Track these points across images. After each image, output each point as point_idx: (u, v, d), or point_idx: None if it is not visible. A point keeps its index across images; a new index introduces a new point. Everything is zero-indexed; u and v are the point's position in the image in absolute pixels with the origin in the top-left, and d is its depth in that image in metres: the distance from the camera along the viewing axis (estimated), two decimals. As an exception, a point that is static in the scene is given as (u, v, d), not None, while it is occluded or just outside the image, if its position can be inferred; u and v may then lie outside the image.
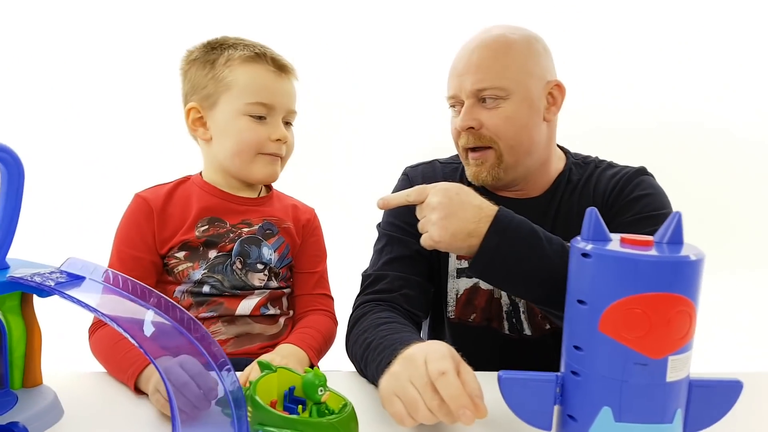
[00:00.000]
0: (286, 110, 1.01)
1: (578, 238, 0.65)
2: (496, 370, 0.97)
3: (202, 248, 0.98)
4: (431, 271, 1.06)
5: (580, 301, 0.62)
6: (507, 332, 1.05)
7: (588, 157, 1.13)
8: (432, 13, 2.83)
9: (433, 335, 1.14)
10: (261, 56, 0.98)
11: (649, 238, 0.62)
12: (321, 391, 0.66)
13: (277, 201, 1.09)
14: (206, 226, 0.99)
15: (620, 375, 0.60)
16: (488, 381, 0.70)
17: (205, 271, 0.97)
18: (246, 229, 1.02)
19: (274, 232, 1.04)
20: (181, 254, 0.98)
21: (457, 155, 1.17)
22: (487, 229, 0.79)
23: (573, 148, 1.14)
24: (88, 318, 0.89)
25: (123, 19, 2.60)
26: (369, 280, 1.02)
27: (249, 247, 1.01)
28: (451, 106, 1.06)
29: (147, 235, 0.97)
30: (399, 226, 1.06)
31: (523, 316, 1.04)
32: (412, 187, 0.91)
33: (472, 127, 0.99)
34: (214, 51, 1.00)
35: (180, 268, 0.97)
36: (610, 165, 1.09)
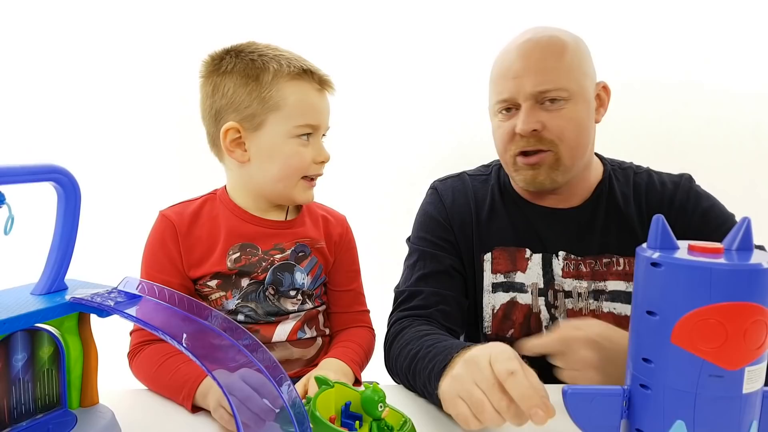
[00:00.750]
0: (325, 128, 0.98)
1: (644, 246, 0.63)
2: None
3: (234, 277, 0.96)
4: (465, 286, 1.05)
5: (650, 312, 0.60)
6: None
7: (623, 162, 1.12)
8: (451, 18, 2.83)
9: None
10: (308, 73, 0.93)
11: (719, 245, 0.61)
12: (381, 407, 0.65)
13: (308, 217, 1.05)
14: (238, 254, 0.96)
15: (694, 388, 0.58)
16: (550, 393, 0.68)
17: (239, 300, 0.95)
18: (278, 256, 0.98)
19: (307, 253, 1.01)
20: (213, 283, 0.95)
21: (483, 166, 1.16)
22: None
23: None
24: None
25: (148, 29, 2.66)
26: (403, 296, 1.01)
27: (282, 274, 0.98)
28: (500, 111, 1.01)
29: (175, 258, 0.94)
30: (431, 241, 1.05)
31: None
32: (441, 201, 0.92)
33: (536, 130, 0.96)
34: (253, 64, 0.92)
35: (213, 296, 0.95)
36: (650, 172, 1.08)
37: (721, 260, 0.57)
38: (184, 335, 0.64)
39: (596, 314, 1.01)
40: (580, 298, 1.01)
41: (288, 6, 2.84)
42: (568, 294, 1.02)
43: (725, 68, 2.44)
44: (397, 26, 2.78)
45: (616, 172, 1.08)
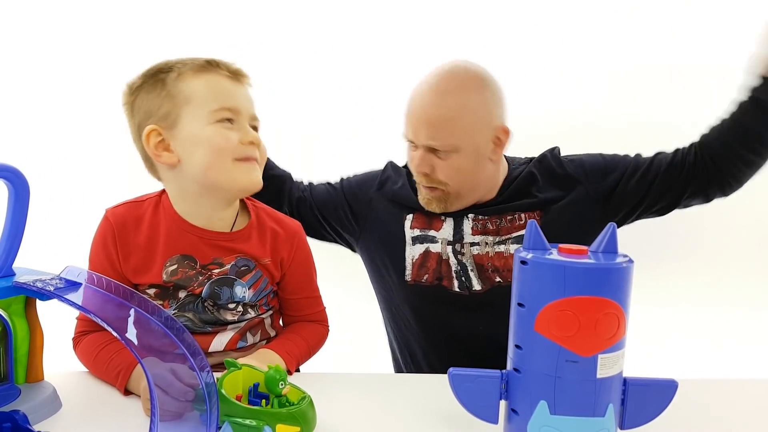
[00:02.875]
0: (250, 115, 0.95)
1: (521, 248, 0.71)
2: (450, 327, 1.16)
3: (171, 289, 0.95)
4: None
5: (520, 304, 0.68)
6: (457, 290, 1.15)
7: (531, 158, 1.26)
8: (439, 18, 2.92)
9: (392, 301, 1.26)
10: (212, 64, 0.93)
11: (584, 247, 0.69)
12: (282, 384, 0.73)
13: (255, 230, 1.00)
14: (175, 266, 0.94)
15: (554, 371, 0.66)
16: (441, 381, 0.76)
17: (176, 311, 0.95)
18: (217, 270, 0.96)
19: (251, 267, 0.98)
20: (151, 291, 0.95)
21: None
22: None
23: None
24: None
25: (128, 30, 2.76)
26: None
27: (220, 288, 0.96)
28: (407, 142, 1.16)
29: (113, 260, 0.94)
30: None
31: (471, 273, 1.15)
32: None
33: (426, 173, 1.12)
34: (158, 71, 0.93)
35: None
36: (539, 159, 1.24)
37: (576, 260, 0.65)
38: (118, 321, 0.72)
39: (503, 255, 1.14)
40: (486, 245, 1.15)
41: (288, 8, 2.91)
42: (474, 244, 1.16)
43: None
44: (400, 30, 2.86)
45: (516, 168, 1.23)
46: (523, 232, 1.14)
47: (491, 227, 1.15)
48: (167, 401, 0.71)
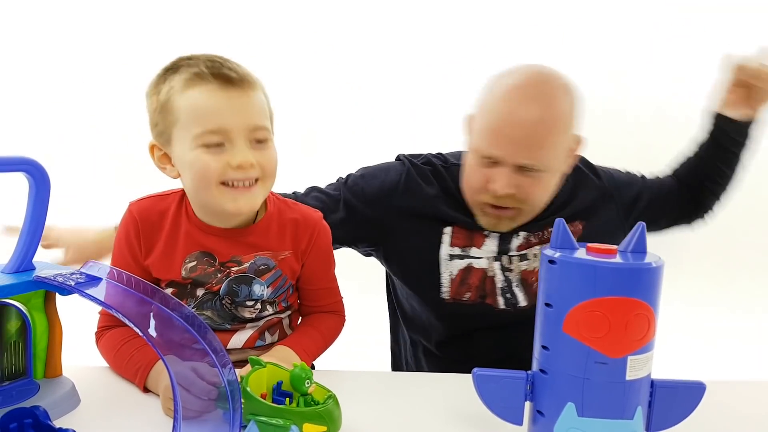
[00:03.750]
0: (246, 129, 0.86)
1: (548, 246, 0.70)
2: (493, 345, 1.11)
3: (189, 287, 0.94)
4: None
5: (548, 304, 0.67)
6: (502, 307, 1.10)
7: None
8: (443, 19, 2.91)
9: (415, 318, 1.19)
10: (200, 76, 0.85)
11: (614, 247, 0.67)
12: (307, 383, 0.73)
13: (275, 222, 0.97)
14: (194, 263, 0.93)
15: (582, 373, 0.65)
16: (465, 381, 0.75)
17: (194, 309, 0.94)
18: (235, 268, 0.94)
19: (270, 266, 0.96)
20: (169, 290, 0.94)
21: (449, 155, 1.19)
22: None
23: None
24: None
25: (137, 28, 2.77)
26: None
27: (238, 286, 0.95)
28: (482, 158, 1.01)
29: (136, 253, 0.94)
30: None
31: (516, 289, 1.10)
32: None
33: (512, 193, 1.00)
34: (161, 79, 0.89)
35: None
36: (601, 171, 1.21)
37: (607, 259, 0.64)
38: (139, 317, 0.72)
39: None
40: (535, 259, 1.09)
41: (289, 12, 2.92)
42: (523, 257, 1.10)
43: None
44: (400, 29, 2.86)
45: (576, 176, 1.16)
46: None
47: (534, 240, 1.10)
48: (190, 400, 0.70)
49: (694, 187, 1.20)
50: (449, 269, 1.10)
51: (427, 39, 2.89)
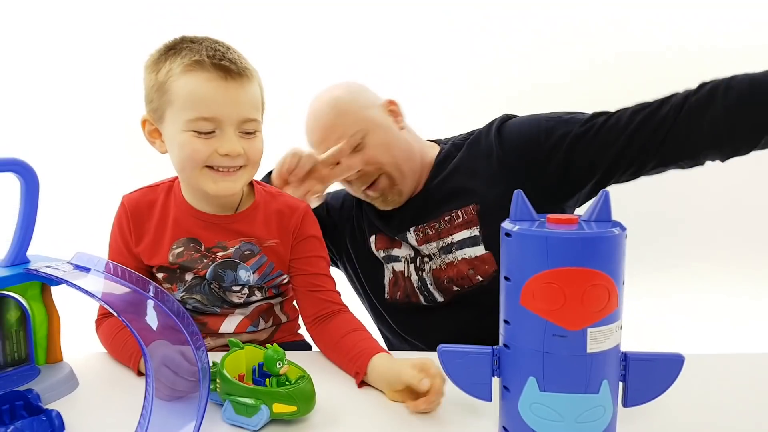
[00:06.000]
0: (238, 120, 0.90)
1: (507, 219, 0.68)
2: (426, 338, 1.15)
3: (178, 272, 0.98)
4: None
5: (507, 278, 0.66)
6: (425, 303, 1.18)
7: (467, 135, 1.23)
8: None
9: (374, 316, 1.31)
10: (200, 63, 0.88)
11: (574, 216, 0.65)
12: (279, 364, 0.74)
13: (261, 212, 1.00)
14: (181, 249, 0.97)
15: (542, 347, 0.63)
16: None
17: (184, 293, 0.99)
18: (221, 253, 0.98)
19: (255, 252, 0.99)
20: (160, 275, 0.99)
21: None
22: None
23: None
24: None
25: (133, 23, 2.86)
26: None
27: (223, 271, 0.98)
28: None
29: (129, 243, 0.99)
30: None
31: (431, 287, 1.16)
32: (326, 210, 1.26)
33: (360, 170, 1.14)
34: (162, 57, 0.92)
35: (163, 287, 0.96)
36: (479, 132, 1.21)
37: (561, 230, 0.62)
38: (122, 304, 0.75)
39: (453, 264, 1.13)
40: (435, 257, 1.15)
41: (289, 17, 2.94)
42: (429, 257, 1.16)
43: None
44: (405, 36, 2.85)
45: (447, 148, 1.21)
46: (465, 231, 1.13)
47: (431, 232, 1.15)
48: (178, 381, 0.74)
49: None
50: (387, 273, 1.22)
51: (429, 42, 2.88)
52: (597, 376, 0.64)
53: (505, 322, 0.67)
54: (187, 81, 0.88)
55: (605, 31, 2.74)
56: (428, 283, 1.16)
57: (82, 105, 3.02)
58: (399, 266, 1.20)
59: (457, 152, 1.19)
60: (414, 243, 1.17)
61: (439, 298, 1.16)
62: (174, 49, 0.92)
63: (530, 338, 0.64)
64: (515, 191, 0.68)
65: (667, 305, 2.54)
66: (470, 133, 1.22)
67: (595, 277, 0.61)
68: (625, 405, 0.68)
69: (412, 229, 1.17)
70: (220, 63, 0.88)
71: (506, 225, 0.66)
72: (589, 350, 0.62)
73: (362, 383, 0.85)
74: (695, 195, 2.62)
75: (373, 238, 1.23)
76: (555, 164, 1.09)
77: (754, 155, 1.00)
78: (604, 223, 0.65)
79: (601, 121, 1.07)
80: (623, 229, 0.63)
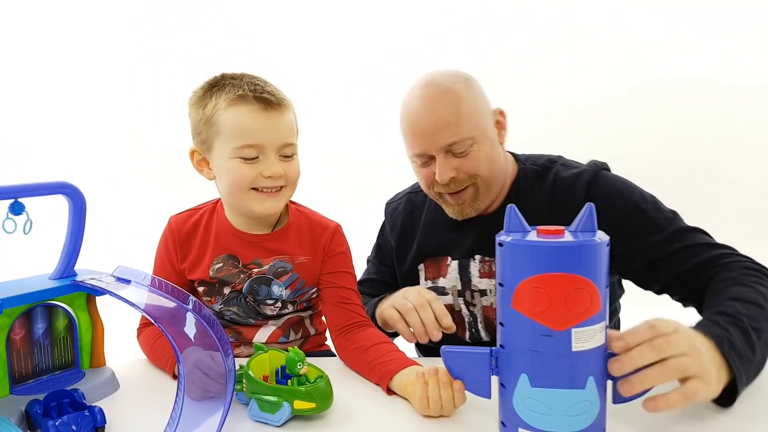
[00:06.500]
0: (278, 145, 1.00)
1: (502, 231, 0.76)
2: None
3: (217, 285, 1.07)
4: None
5: (500, 284, 0.73)
6: (468, 340, 1.18)
7: (538, 158, 1.21)
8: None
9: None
10: (244, 97, 0.98)
11: (561, 228, 0.72)
12: (299, 365, 0.82)
13: (294, 231, 1.09)
14: (221, 264, 1.06)
15: (531, 346, 0.70)
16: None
17: (221, 305, 1.08)
18: (256, 270, 1.06)
19: (287, 269, 1.07)
20: (200, 288, 1.08)
21: None
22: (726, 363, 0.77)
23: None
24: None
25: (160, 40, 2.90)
26: None
27: (258, 286, 1.06)
28: (417, 160, 1.14)
29: (173, 261, 1.08)
30: (374, 263, 1.34)
31: (480, 326, 1.18)
32: (384, 231, 1.28)
33: (453, 177, 1.09)
34: (207, 94, 1.02)
35: (203, 299, 1.10)
36: (564, 164, 1.17)
37: (548, 239, 0.69)
38: (159, 312, 0.84)
39: None
40: (490, 294, 1.15)
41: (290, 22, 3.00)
42: (483, 293, 1.16)
43: (740, 64, 2.38)
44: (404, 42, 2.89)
45: (527, 171, 1.18)
46: None
47: (495, 269, 1.07)
48: (210, 383, 0.82)
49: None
50: None
51: (429, 42, 2.89)
52: (583, 373, 0.70)
53: (501, 324, 0.74)
54: (233, 113, 0.98)
55: (605, 31, 2.74)
56: (478, 320, 1.16)
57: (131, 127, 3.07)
58: (447, 299, 1.17)
59: (537, 183, 1.16)
60: (474, 272, 1.16)
61: (485, 338, 1.16)
62: (217, 85, 1.02)
63: (521, 338, 0.71)
64: (508, 205, 0.76)
65: (667, 305, 2.51)
66: (550, 161, 1.18)
67: (577, 282, 0.68)
68: (614, 402, 0.74)
69: (477, 257, 1.16)
70: (261, 96, 0.99)
71: (501, 237, 0.73)
72: (574, 348, 0.69)
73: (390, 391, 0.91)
74: (697, 199, 2.61)
75: (422, 266, 1.23)
76: (623, 249, 1.04)
77: (757, 159, 1.06)
78: (590, 233, 0.72)
79: (682, 247, 1.05)
80: (605, 237, 0.70)
